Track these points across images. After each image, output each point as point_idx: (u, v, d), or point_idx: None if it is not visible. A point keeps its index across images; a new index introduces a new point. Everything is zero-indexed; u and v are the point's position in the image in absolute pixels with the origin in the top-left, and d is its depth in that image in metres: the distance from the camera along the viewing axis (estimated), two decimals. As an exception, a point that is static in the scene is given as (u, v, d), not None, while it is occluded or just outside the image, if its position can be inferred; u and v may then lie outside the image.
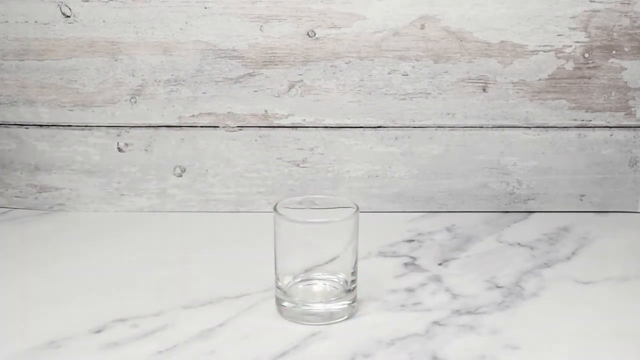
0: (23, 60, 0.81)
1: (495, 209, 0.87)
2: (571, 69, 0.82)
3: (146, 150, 0.84)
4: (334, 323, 0.59)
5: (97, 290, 0.65)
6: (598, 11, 0.81)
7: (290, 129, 0.84)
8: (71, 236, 0.78)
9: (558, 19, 0.81)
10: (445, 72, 0.82)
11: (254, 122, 0.84)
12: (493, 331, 0.58)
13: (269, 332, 0.57)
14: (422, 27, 0.81)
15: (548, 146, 0.85)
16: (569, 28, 0.81)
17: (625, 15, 0.81)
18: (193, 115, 0.83)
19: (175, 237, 0.78)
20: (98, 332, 0.57)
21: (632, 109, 0.84)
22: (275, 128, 0.84)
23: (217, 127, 0.84)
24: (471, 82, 0.83)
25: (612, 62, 0.82)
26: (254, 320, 0.59)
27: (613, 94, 0.83)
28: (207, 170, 0.85)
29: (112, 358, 0.53)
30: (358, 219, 0.59)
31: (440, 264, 0.71)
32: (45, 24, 0.80)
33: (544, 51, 0.82)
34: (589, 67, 0.83)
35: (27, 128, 0.84)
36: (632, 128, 0.85)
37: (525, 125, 0.84)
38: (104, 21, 0.80)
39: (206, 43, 0.81)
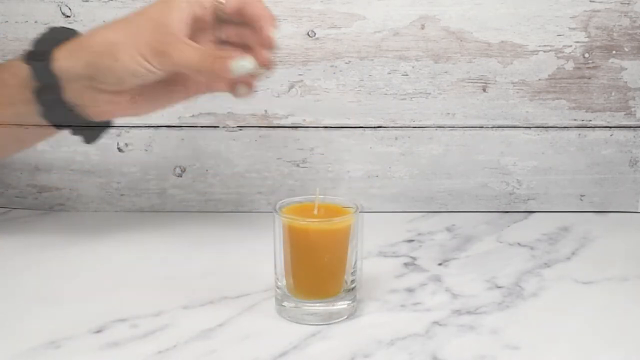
0: (23, 60, 0.81)
1: (495, 209, 0.87)
2: (571, 69, 0.82)
3: (146, 150, 0.84)
4: (334, 323, 0.59)
5: (97, 290, 0.65)
6: (598, 11, 0.81)
7: (290, 129, 0.84)
8: (71, 236, 0.78)
9: (558, 19, 0.81)
10: (445, 72, 0.82)
11: (254, 122, 0.84)
12: (493, 331, 0.58)
13: (269, 332, 0.57)
14: (422, 27, 0.81)
15: (548, 146, 0.85)
16: (569, 28, 0.81)
17: (625, 15, 0.81)
18: (193, 115, 0.83)
19: (175, 237, 0.78)
20: (98, 332, 0.57)
21: (632, 109, 0.84)
22: (275, 128, 0.84)
23: (217, 127, 0.84)
24: (471, 82, 0.83)
25: (612, 62, 0.82)
26: (254, 320, 0.59)
27: (613, 94, 0.83)
28: (207, 170, 0.85)
29: (112, 358, 0.53)
30: (358, 219, 0.59)
31: (440, 264, 0.71)
32: (45, 24, 0.80)
33: (544, 51, 0.82)
34: (589, 67, 0.83)
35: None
36: (632, 128, 0.85)
37: (525, 125, 0.84)
38: (104, 21, 0.80)
39: (206, 43, 0.81)
